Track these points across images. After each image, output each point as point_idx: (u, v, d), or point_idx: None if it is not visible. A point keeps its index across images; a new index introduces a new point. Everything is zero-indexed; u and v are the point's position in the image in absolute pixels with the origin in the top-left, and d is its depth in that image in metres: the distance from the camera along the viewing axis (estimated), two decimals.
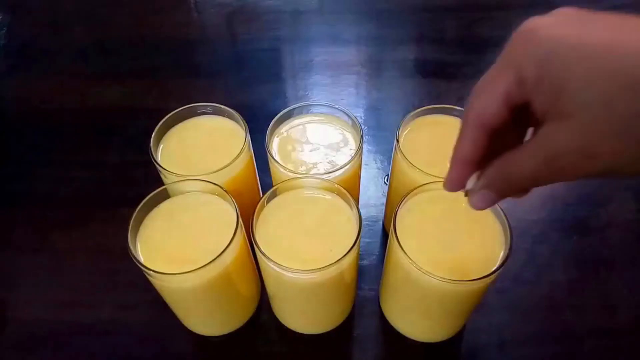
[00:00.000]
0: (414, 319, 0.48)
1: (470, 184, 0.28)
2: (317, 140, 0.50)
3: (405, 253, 0.38)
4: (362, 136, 0.47)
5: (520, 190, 0.27)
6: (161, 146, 0.50)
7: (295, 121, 0.51)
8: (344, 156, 0.48)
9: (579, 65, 0.20)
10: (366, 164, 0.63)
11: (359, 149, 0.46)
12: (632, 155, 0.21)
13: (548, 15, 0.23)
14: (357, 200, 0.56)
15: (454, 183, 0.28)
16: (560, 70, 0.21)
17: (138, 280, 0.44)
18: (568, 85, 0.21)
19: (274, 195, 0.44)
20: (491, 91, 0.24)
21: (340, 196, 0.44)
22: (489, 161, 0.27)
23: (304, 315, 0.48)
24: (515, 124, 0.26)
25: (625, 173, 0.22)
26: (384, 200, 0.59)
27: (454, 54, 0.79)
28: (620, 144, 0.20)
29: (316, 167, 0.47)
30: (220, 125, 0.51)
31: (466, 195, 0.29)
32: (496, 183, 0.26)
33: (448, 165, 0.29)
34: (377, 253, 0.56)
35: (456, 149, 0.27)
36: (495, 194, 0.27)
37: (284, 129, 0.51)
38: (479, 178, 0.28)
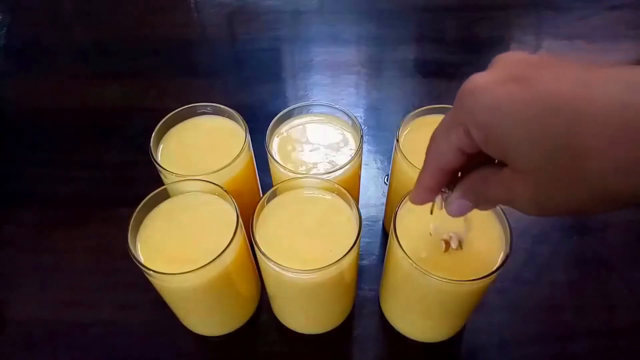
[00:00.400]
0: (414, 319, 0.48)
1: (437, 200, 0.31)
2: (317, 140, 0.50)
3: (405, 253, 0.38)
4: (362, 136, 0.47)
5: (494, 206, 0.29)
6: (161, 146, 0.50)
7: (295, 121, 0.51)
8: (344, 156, 0.48)
9: (519, 129, 0.21)
10: (366, 164, 0.63)
11: (359, 149, 0.46)
12: (587, 204, 0.21)
13: (489, 70, 0.23)
14: (357, 200, 0.56)
15: (417, 202, 0.31)
16: (503, 135, 0.22)
17: (138, 280, 0.44)
18: (512, 149, 0.22)
19: (274, 195, 0.44)
20: (446, 141, 0.25)
21: (340, 196, 0.44)
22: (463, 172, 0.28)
23: (304, 315, 0.48)
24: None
25: (585, 214, 0.23)
26: (384, 200, 0.59)
27: (454, 54, 0.79)
28: (569, 197, 0.21)
29: (316, 167, 0.47)
30: (220, 125, 0.51)
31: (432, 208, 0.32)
32: (471, 197, 0.28)
33: None
34: (377, 253, 0.56)
35: (419, 177, 0.29)
36: (471, 205, 0.29)
37: (284, 129, 0.51)
38: (454, 187, 0.29)
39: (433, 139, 0.27)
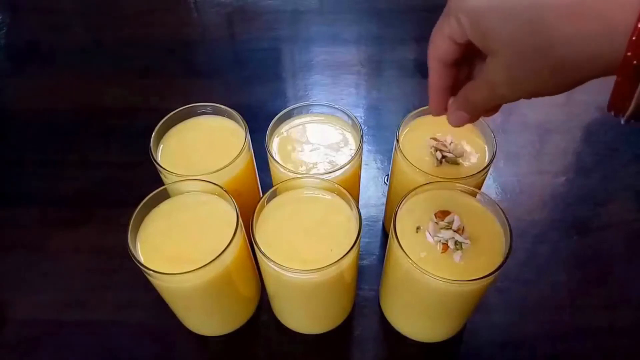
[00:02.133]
0: (414, 319, 0.48)
1: (450, 110, 0.35)
2: (317, 140, 0.50)
3: (405, 253, 0.38)
4: (362, 136, 0.47)
5: (485, 111, 0.33)
6: (161, 146, 0.50)
7: (295, 121, 0.51)
8: (344, 156, 0.48)
9: (493, 12, 0.26)
10: (366, 164, 0.63)
11: (359, 149, 0.46)
12: (549, 80, 0.25)
13: None
14: (357, 200, 0.56)
15: (435, 109, 0.35)
16: (482, 18, 0.26)
17: (138, 280, 0.44)
18: (489, 30, 0.26)
19: (274, 195, 0.44)
20: (440, 34, 0.30)
21: (340, 196, 0.44)
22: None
23: (304, 315, 0.48)
24: (473, 59, 0.32)
25: (547, 94, 0.27)
26: (384, 200, 0.59)
27: None
28: (532, 73, 0.25)
29: (316, 167, 0.47)
30: (220, 125, 0.51)
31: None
32: (462, 106, 0.33)
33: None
34: (377, 253, 0.56)
35: (429, 82, 0.34)
36: (467, 115, 0.33)
37: (284, 129, 0.51)
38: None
39: (431, 38, 0.31)
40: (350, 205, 0.43)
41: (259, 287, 0.52)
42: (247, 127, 0.49)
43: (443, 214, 0.42)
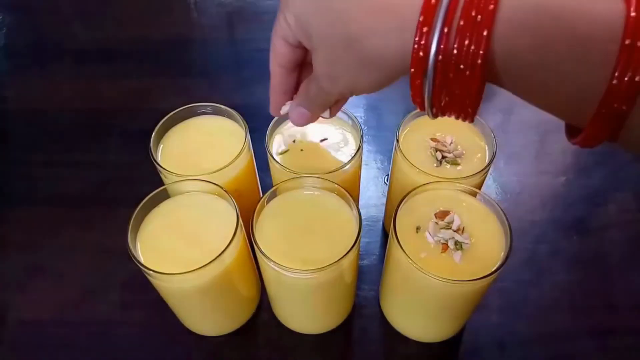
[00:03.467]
0: (414, 319, 0.48)
1: (284, 109, 0.35)
2: (317, 140, 0.50)
3: (405, 253, 0.38)
4: (362, 136, 0.47)
5: (321, 108, 0.33)
6: (161, 146, 0.50)
7: None
8: (344, 156, 0.48)
9: (310, 8, 0.27)
10: (366, 164, 0.63)
11: (359, 149, 0.46)
12: (359, 76, 0.27)
13: None
14: (357, 200, 0.56)
15: (274, 109, 0.36)
16: (303, 15, 0.28)
17: (138, 280, 0.44)
18: (309, 27, 0.27)
19: (274, 195, 0.44)
20: (276, 36, 0.31)
21: (340, 196, 0.44)
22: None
23: (304, 315, 0.48)
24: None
25: (364, 90, 0.28)
26: (384, 200, 0.59)
27: None
28: (346, 67, 0.27)
29: (316, 167, 0.47)
30: (220, 125, 0.51)
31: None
32: (303, 102, 0.33)
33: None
34: (377, 253, 0.56)
35: (271, 84, 0.34)
36: (306, 111, 0.33)
37: (284, 129, 0.51)
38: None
39: (271, 41, 0.32)
40: (350, 205, 0.43)
41: (259, 287, 0.52)
42: (247, 127, 0.49)
43: (443, 214, 0.42)
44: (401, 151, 0.46)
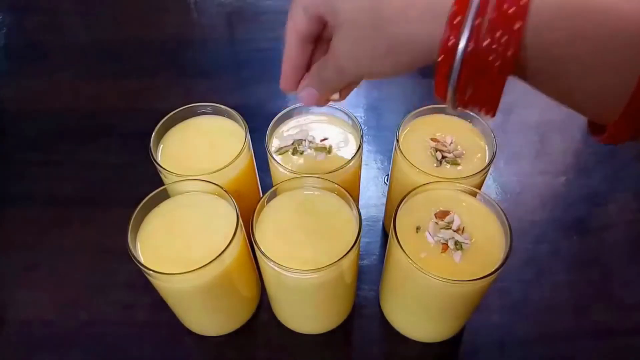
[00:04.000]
0: (414, 319, 0.48)
1: (301, 87, 0.34)
2: (317, 140, 0.50)
3: (405, 253, 0.38)
4: (362, 136, 0.47)
5: (333, 89, 0.33)
6: (161, 146, 0.50)
7: (295, 121, 0.51)
8: (344, 156, 0.48)
9: None
10: (366, 164, 0.63)
11: (359, 149, 0.46)
12: (383, 59, 0.27)
13: None
14: (357, 200, 0.56)
15: (286, 84, 0.34)
16: None
17: (138, 280, 0.44)
18: (338, 3, 0.27)
19: (274, 195, 0.44)
20: (297, 8, 0.30)
21: (340, 196, 0.44)
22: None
23: (304, 315, 0.48)
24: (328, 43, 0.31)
25: (385, 73, 0.28)
26: (384, 200, 0.59)
27: None
28: (370, 49, 0.27)
29: (316, 167, 0.47)
30: (220, 125, 0.51)
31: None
32: (313, 83, 0.32)
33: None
34: (377, 253, 0.56)
35: (284, 56, 0.33)
36: (316, 92, 0.33)
37: (284, 129, 0.51)
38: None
39: (289, 12, 0.31)
40: (350, 205, 0.43)
41: (259, 287, 0.52)
42: (247, 127, 0.49)
43: (443, 214, 0.42)
44: (401, 151, 0.46)
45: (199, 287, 0.41)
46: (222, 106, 0.51)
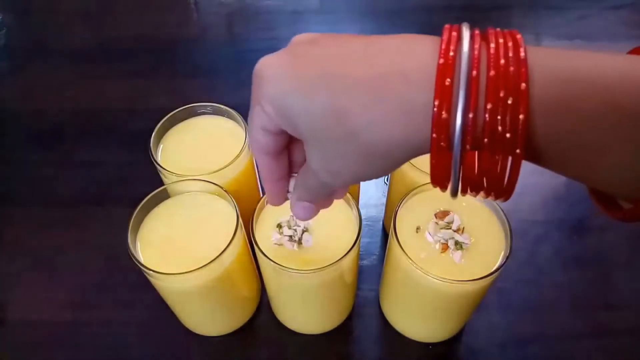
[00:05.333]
0: (414, 319, 0.48)
1: (292, 203, 0.30)
2: None
3: (405, 253, 0.38)
4: None
5: (324, 196, 0.29)
6: (161, 146, 0.50)
7: None
8: None
9: (297, 99, 0.23)
10: None
11: None
12: (363, 167, 0.23)
13: (278, 52, 0.25)
14: (357, 200, 0.56)
15: (274, 199, 0.31)
16: (286, 106, 0.23)
17: (138, 280, 0.44)
18: (295, 118, 0.23)
19: None
20: (253, 125, 0.26)
21: None
22: None
23: (304, 315, 0.48)
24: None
25: (370, 178, 0.24)
26: (384, 200, 0.59)
27: None
28: (346, 160, 0.23)
29: None
30: (220, 125, 0.51)
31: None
32: (302, 195, 0.29)
33: None
34: (377, 253, 0.56)
35: (261, 174, 0.30)
36: (308, 204, 0.29)
37: None
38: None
39: (249, 131, 0.28)
40: (350, 205, 0.43)
41: (259, 287, 0.52)
42: (247, 127, 0.48)
43: (443, 214, 0.42)
44: None
45: (199, 287, 0.41)
46: (222, 106, 0.51)
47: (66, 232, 0.59)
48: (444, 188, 0.23)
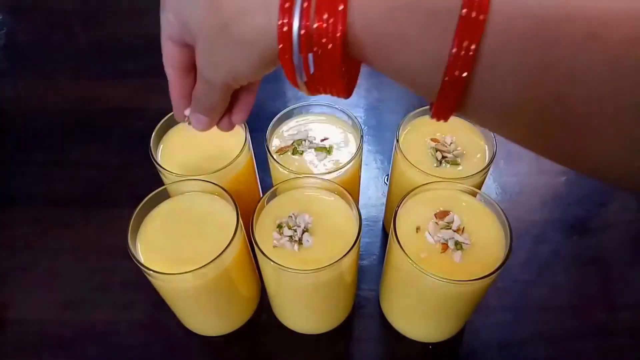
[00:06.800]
0: (414, 319, 0.48)
1: (187, 112, 0.35)
2: (317, 141, 0.50)
3: (405, 253, 0.38)
4: (362, 136, 0.47)
5: (211, 105, 0.32)
6: (161, 146, 0.50)
7: (295, 121, 0.51)
8: (344, 156, 0.48)
9: (191, 7, 0.27)
10: (366, 164, 0.63)
11: (359, 149, 0.46)
12: (237, 59, 0.27)
13: None
14: (357, 200, 0.56)
15: (177, 114, 0.36)
16: (182, 10, 0.28)
17: (138, 280, 0.44)
18: (188, 19, 0.28)
19: (274, 195, 0.44)
20: (162, 36, 0.31)
21: (340, 196, 0.44)
22: None
23: (304, 315, 0.48)
24: None
25: (246, 74, 0.28)
26: (384, 200, 0.59)
27: None
28: (224, 52, 0.27)
29: (316, 167, 0.47)
30: None
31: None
32: (194, 106, 0.33)
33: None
34: (377, 253, 0.56)
35: (170, 88, 0.34)
36: (202, 115, 0.34)
37: (284, 129, 0.51)
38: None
39: (161, 45, 0.31)
40: (350, 205, 0.43)
41: (259, 287, 0.52)
42: (247, 127, 0.49)
43: (443, 214, 0.42)
44: (401, 151, 0.46)
45: (199, 287, 0.41)
46: None
47: (66, 232, 0.59)
48: (296, 86, 0.27)
